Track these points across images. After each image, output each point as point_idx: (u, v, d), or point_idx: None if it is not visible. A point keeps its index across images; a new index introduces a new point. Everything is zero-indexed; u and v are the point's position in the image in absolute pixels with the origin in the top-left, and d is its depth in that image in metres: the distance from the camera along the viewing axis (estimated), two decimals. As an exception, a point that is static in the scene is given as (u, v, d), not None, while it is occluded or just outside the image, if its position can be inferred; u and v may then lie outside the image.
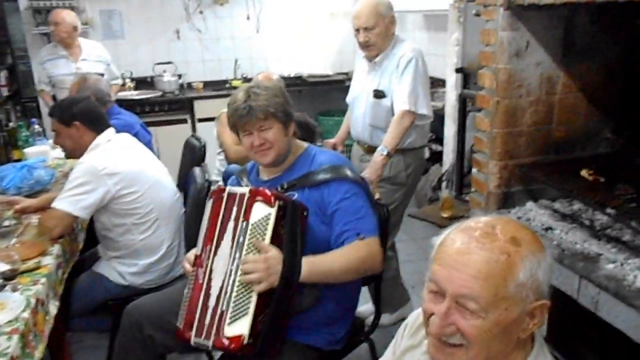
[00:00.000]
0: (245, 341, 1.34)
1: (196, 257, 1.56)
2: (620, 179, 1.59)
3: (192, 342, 1.48)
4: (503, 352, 0.87)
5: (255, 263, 1.38)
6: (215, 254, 1.49)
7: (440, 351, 0.87)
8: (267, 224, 1.41)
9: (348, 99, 2.62)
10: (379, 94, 2.38)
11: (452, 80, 3.41)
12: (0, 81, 5.28)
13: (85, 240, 2.34)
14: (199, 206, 2.20)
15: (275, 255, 1.40)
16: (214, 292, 1.44)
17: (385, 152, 2.25)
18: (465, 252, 0.85)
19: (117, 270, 2.17)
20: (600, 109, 1.81)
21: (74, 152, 2.22)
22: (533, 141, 1.78)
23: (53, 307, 1.72)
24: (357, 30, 2.36)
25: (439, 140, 3.78)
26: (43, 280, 1.68)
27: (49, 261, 1.80)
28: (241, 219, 1.44)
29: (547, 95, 1.73)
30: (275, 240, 1.41)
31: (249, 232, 1.42)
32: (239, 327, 1.35)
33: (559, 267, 1.50)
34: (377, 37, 2.34)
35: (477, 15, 2.50)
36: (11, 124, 3.00)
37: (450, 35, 3.43)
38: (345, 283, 1.54)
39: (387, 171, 2.35)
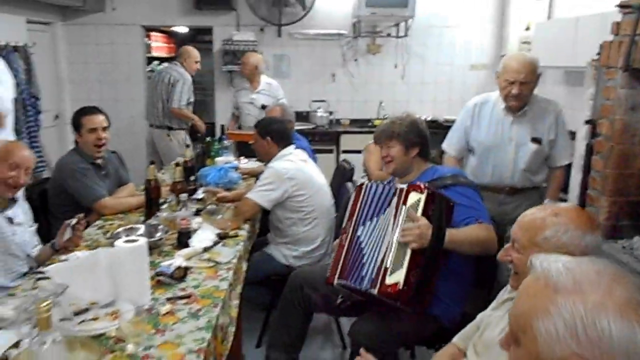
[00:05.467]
0: (400, 287, 1.78)
1: (342, 229, 2.12)
2: None
3: (334, 284, 2.01)
4: None
5: (411, 229, 1.81)
6: (358, 224, 2.04)
7: (511, 277, 1.39)
8: (419, 205, 1.86)
9: (470, 147, 2.86)
10: (538, 141, 2.69)
11: (582, 132, 3.67)
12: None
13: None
14: (350, 210, 2.79)
15: (425, 223, 1.82)
16: (372, 253, 1.95)
17: None
18: (525, 214, 1.37)
19: (283, 253, 2.81)
20: None
21: (262, 157, 2.98)
22: (643, 183, 2.09)
23: (244, 265, 2.38)
24: (512, 82, 2.58)
25: (565, 189, 4.00)
26: (241, 244, 2.34)
27: (243, 233, 2.48)
28: (401, 204, 1.91)
29: (658, 144, 2.05)
30: (424, 216, 1.84)
31: (404, 211, 1.88)
32: (396, 277, 1.81)
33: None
34: (530, 91, 2.63)
35: (607, 73, 2.82)
36: (207, 139, 3.86)
37: (586, 90, 3.71)
38: (459, 265, 1.99)
39: None
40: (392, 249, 1.87)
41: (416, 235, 1.81)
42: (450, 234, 1.89)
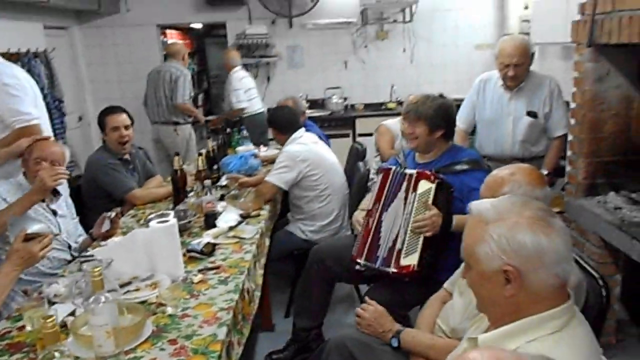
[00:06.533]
0: (414, 268, 2.03)
1: (368, 211, 2.33)
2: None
3: (361, 264, 2.24)
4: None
5: (424, 219, 2.03)
6: (384, 209, 2.23)
7: None
8: (430, 194, 2.06)
9: (476, 120, 3.13)
10: (533, 114, 2.90)
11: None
12: (198, 102, 6.59)
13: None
14: (361, 187, 3.05)
15: (437, 213, 2.03)
16: (386, 235, 2.17)
17: (546, 173, 2.79)
18: (490, 175, 1.59)
19: (301, 229, 3.09)
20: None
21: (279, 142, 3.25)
22: (614, 144, 2.30)
23: (267, 240, 2.67)
24: (507, 65, 2.81)
25: (564, 156, 4.15)
26: (263, 222, 2.63)
27: (264, 212, 2.77)
28: (411, 190, 2.11)
29: (625, 110, 2.26)
30: (434, 204, 2.06)
31: (416, 199, 2.08)
32: (410, 260, 2.06)
33: (619, 234, 2.03)
34: (524, 71, 2.86)
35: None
36: (228, 130, 4.17)
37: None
38: None
39: None
40: (406, 234, 2.09)
41: (430, 224, 2.05)
42: (459, 219, 2.09)
